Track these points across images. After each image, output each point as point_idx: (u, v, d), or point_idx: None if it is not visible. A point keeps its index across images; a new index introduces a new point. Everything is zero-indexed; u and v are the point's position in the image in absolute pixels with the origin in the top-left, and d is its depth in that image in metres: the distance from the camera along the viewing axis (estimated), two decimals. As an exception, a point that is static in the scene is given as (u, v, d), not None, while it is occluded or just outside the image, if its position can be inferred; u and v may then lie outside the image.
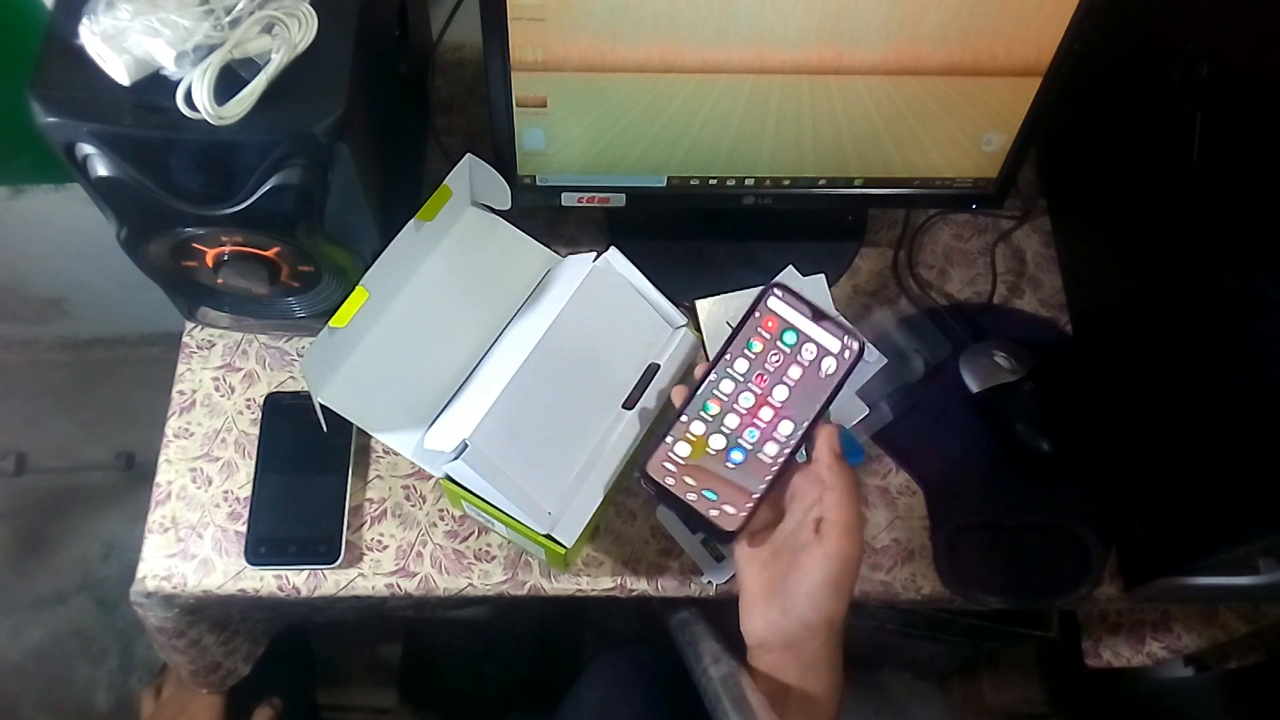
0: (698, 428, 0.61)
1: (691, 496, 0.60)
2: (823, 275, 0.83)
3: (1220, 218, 0.63)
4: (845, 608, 0.57)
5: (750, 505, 0.59)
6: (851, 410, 0.78)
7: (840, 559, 0.55)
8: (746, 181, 0.76)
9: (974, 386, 0.78)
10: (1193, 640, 0.85)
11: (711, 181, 0.76)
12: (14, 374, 1.43)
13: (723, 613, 0.67)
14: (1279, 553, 0.66)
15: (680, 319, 0.72)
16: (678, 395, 0.62)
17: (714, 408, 0.61)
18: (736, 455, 0.60)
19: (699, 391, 0.61)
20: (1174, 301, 0.69)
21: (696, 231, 0.85)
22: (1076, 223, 0.85)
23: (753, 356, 0.61)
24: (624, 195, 0.77)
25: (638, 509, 0.75)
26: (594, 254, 0.72)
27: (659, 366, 0.71)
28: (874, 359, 0.80)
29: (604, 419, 0.69)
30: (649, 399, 0.69)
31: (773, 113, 0.69)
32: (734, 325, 0.62)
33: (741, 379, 0.61)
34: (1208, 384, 0.64)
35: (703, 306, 0.81)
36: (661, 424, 0.63)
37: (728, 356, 0.62)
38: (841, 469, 0.58)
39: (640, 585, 0.72)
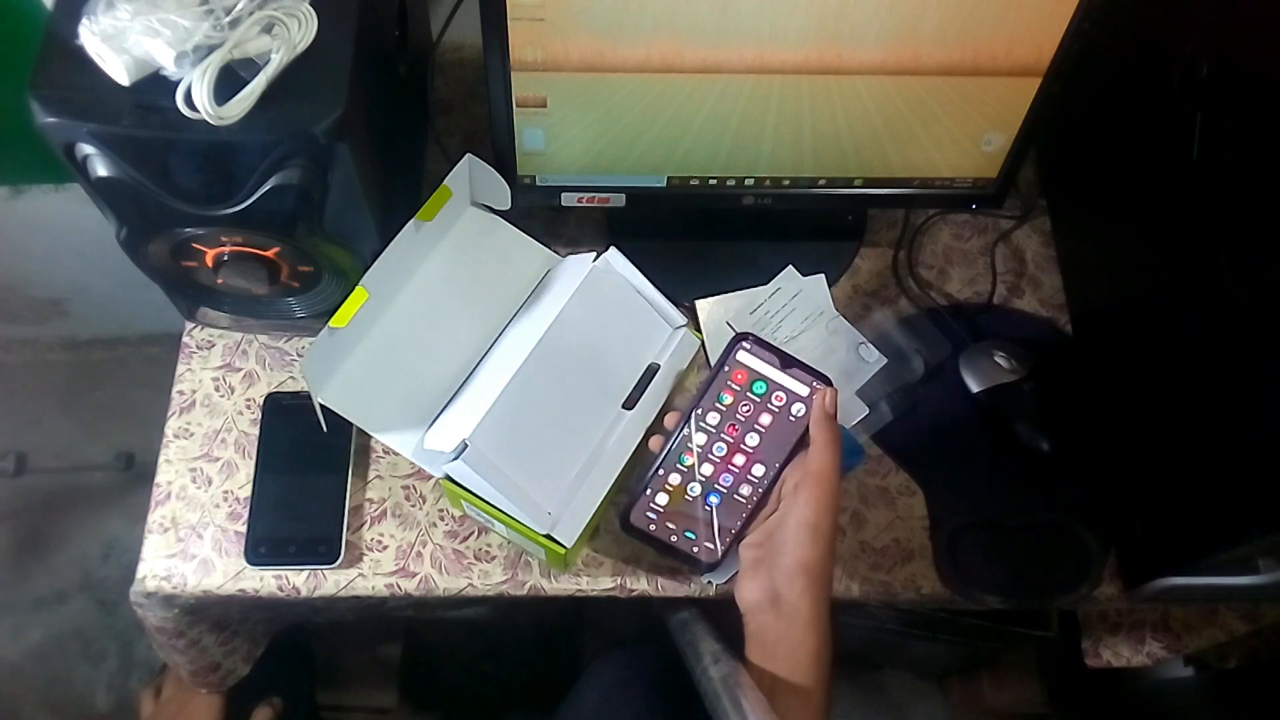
0: (674, 479, 0.64)
1: (673, 539, 0.64)
2: (823, 275, 0.83)
3: (1220, 218, 0.63)
4: (823, 556, 0.58)
5: (729, 539, 0.63)
6: (851, 410, 0.78)
7: (814, 506, 0.58)
8: (746, 181, 0.76)
9: (974, 386, 0.78)
10: (1193, 640, 0.85)
11: (711, 181, 0.76)
12: (14, 374, 1.43)
13: (723, 613, 0.67)
14: (1279, 553, 0.66)
15: (680, 319, 0.72)
16: (654, 444, 0.65)
17: (689, 459, 0.64)
18: (713, 499, 0.63)
19: (673, 445, 0.64)
20: (1174, 301, 0.69)
21: (696, 231, 0.85)
22: (1076, 223, 0.85)
23: (723, 409, 0.64)
24: (624, 195, 0.77)
25: (638, 509, 0.75)
26: (594, 254, 0.72)
27: (659, 366, 0.71)
28: (874, 359, 0.80)
29: (604, 419, 0.69)
30: (649, 399, 0.70)
31: (772, 113, 0.69)
32: (733, 325, 0.63)
33: (714, 430, 0.64)
34: (1207, 384, 0.64)
35: (703, 306, 0.81)
36: (637, 476, 0.65)
37: (699, 410, 0.64)
38: (826, 424, 0.61)
39: (640, 585, 0.72)
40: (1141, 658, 0.87)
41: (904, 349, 0.81)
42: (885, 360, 0.80)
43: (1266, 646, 0.93)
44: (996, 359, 0.78)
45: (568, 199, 0.77)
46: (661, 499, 0.64)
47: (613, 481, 0.68)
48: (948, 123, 0.71)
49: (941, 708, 1.35)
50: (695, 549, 0.64)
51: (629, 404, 0.69)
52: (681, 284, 0.79)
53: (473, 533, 0.74)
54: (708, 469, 0.63)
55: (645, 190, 0.77)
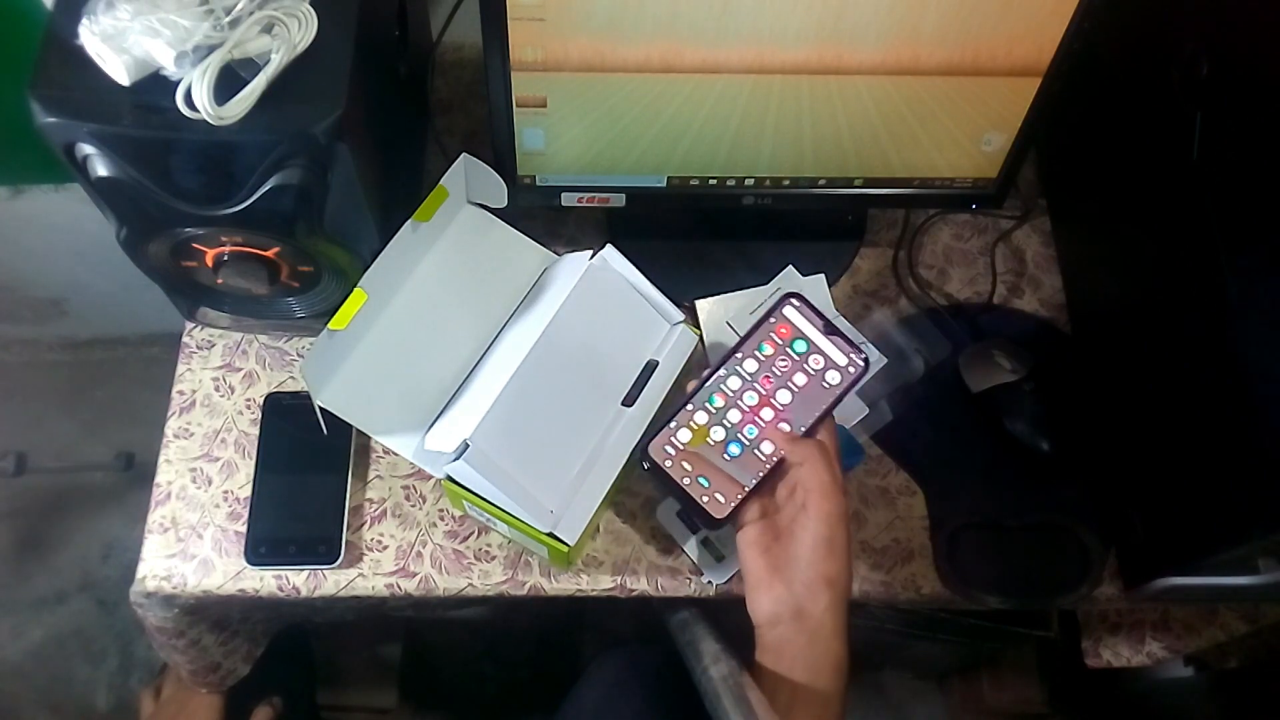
0: (701, 417, 0.64)
1: (686, 481, 0.64)
2: (823, 275, 0.83)
3: (1220, 218, 0.63)
4: (843, 567, 0.59)
5: (740, 497, 0.63)
6: (851, 410, 0.78)
7: (825, 519, 0.59)
8: (746, 181, 0.76)
9: (974, 386, 0.78)
10: (1193, 640, 0.85)
11: (711, 181, 0.76)
12: (14, 374, 1.43)
13: (723, 613, 0.67)
14: (1279, 553, 0.66)
15: (677, 314, 0.72)
16: (690, 386, 0.66)
17: (719, 401, 0.64)
18: (734, 449, 0.64)
19: (707, 383, 0.65)
20: (1173, 301, 0.69)
21: (696, 231, 0.85)
22: (1076, 223, 0.85)
23: (762, 359, 0.65)
24: (624, 195, 0.77)
25: (638, 509, 0.75)
26: (590, 252, 0.72)
27: (657, 363, 0.71)
28: (874, 359, 0.80)
29: (603, 417, 0.69)
30: (648, 396, 0.70)
31: (772, 113, 0.69)
32: (733, 325, 0.63)
33: (749, 378, 0.65)
34: (1207, 384, 0.64)
35: (703, 306, 0.81)
36: (668, 409, 0.66)
37: (739, 355, 0.65)
38: (802, 445, 0.62)
39: (640, 585, 0.72)
40: (1141, 658, 0.87)
41: (904, 349, 0.81)
42: (885, 360, 0.80)
43: (1266, 646, 0.93)
44: (996, 359, 0.78)
45: (568, 199, 0.77)
46: (684, 435, 0.64)
47: (614, 479, 0.68)
48: (948, 123, 0.71)
49: (941, 708, 1.35)
50: (705, 498, 0.63)
51: (628, 401, 0.69)
52: (681, 284, 0.79)
53: (473, 533, 0.74)
54: (735, 415, 0.64)
55: (645, 190, 0.77)
